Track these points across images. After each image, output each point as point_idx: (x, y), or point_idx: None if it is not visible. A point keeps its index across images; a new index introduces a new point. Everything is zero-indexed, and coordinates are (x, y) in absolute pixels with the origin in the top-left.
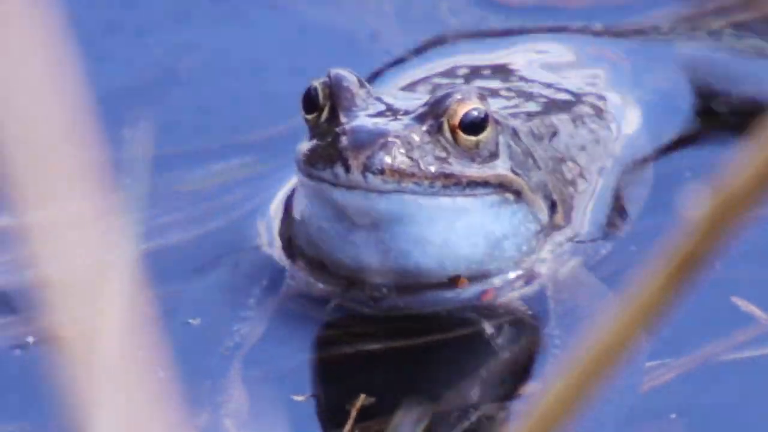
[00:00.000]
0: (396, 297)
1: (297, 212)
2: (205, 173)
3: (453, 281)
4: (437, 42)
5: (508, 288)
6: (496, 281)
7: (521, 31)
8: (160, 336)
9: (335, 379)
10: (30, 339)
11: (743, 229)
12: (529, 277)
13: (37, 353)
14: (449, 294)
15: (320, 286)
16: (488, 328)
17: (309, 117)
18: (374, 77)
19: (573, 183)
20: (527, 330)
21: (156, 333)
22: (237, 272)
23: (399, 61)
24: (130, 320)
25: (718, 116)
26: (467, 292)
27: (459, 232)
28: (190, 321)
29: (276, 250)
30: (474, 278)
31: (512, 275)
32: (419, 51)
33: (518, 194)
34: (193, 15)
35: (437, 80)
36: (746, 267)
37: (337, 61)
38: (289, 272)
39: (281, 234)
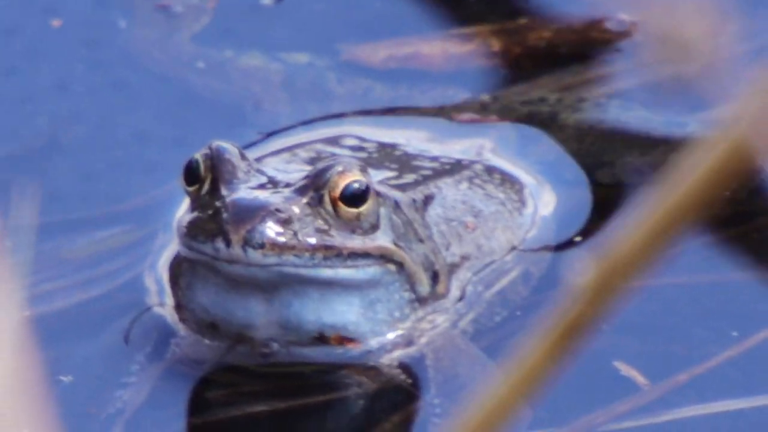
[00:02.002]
0: (281, 351)
1: (183, 276)
2: (89, 240)
3: (330, 339)
4: (323, 112)
5: (384, 351)
6: (371, 342)
7: (406, 101)
8: (44, 401)
9: None
10: None
11: (626, 298)
12: (407, 344)
13: None
14: (331, 351)
15: (208, 346)
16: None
17: (190, 189)
18: (258, 148)
19: (457, 253)
20: (408, 397)
21: (40, 398)
22: (122, 338)
23: (284, 132)
24: (15, 384)
25: (602, 187)
26: (350, 352)
27: (336, 291)
28: (73, 387)
29: (162, 315)
30: (351, 338)
31: (387, 339)
32: (305, 121)
33: (400, 266)
34: (76, 83)
35: (320, 150)
36: (629, 338)
37: (221, 131)
38: (175, 336)
39: (168, 298)
